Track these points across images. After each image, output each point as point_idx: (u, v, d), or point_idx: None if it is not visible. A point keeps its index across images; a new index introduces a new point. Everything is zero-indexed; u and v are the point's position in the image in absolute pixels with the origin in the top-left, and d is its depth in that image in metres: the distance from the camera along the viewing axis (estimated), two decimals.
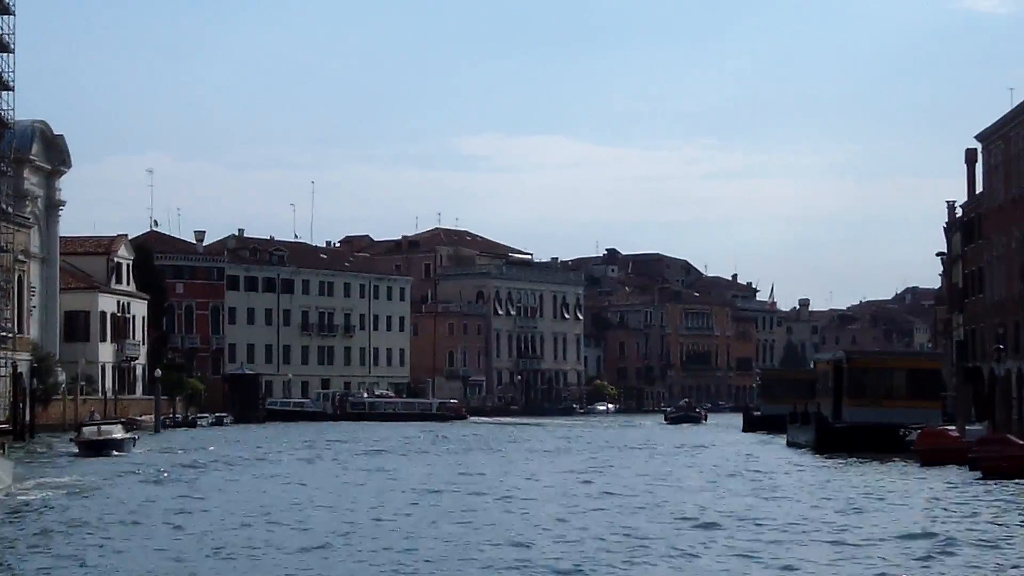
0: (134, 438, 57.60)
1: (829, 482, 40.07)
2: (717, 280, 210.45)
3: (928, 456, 44.81)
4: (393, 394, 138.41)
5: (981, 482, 38.19)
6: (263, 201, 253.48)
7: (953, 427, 47.55)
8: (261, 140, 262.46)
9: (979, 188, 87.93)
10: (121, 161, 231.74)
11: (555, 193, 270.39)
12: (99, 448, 54.09)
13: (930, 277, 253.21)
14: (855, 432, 54.86)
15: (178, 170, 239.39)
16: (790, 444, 64.43)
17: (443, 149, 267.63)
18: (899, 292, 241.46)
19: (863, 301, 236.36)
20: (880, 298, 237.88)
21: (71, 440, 58.32)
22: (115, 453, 53.63)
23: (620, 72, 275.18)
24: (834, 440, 55.19)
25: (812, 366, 77.25)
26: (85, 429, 57.53)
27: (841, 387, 57.41)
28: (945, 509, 30.99)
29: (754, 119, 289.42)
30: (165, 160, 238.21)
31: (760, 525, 28.47)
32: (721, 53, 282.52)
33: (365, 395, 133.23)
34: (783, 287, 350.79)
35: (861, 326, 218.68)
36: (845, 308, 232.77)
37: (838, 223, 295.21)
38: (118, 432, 56.47)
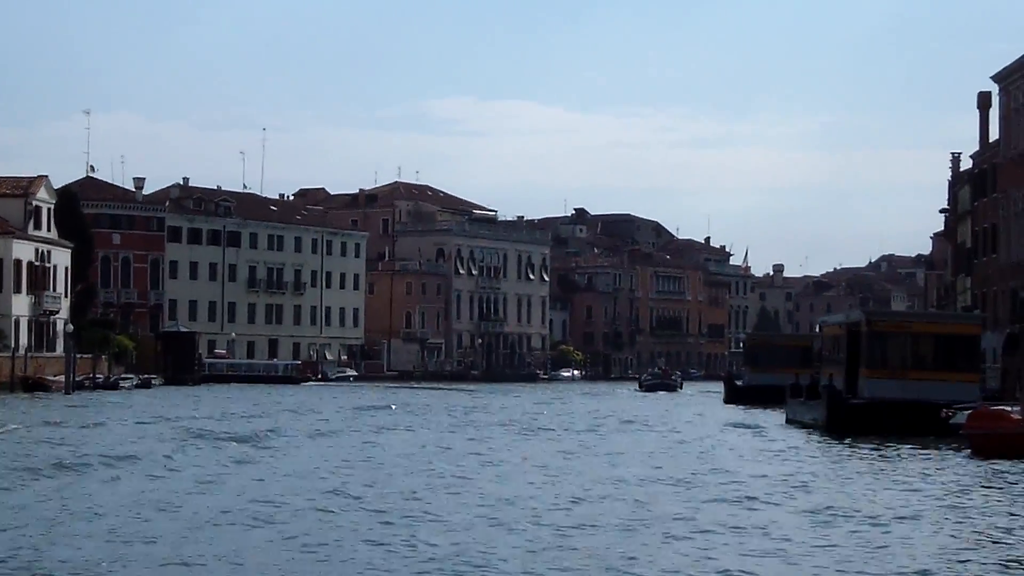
0: None
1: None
2: (689, 243, 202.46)
3: (983, 444, 35.70)
4: (227, 353, 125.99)
5: None
6: (217, 156, 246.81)
7: (1010, 406, 38.21)
8: (228, 101, 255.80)
9: (992, 136, 79.63)
10: (85, 119, 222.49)
11: (525, 158, 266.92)
12: None
13: (906, 246, 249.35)
14: (877, 410, 45.76)
15: (146, 129, 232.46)
16: (790, 422, 55.20)
17: (413, 112, 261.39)
18: (874, 260, 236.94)
19: (838, 268, 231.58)
20: (855, 265, 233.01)
21: None
22: None
23: (593, 39, 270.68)
24: (850, 419, 46.05)
25: (818, 329, 68.22)
26: None
27: (858, 355, 48.09)
28: None
29: (726, 89, 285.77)
30: (133, 120, 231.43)
31: None
32: (695, 22, 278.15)
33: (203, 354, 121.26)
34: (756, 252, 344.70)
35: (837, 293, 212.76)
36: (820, 275, 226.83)
37: (811, 192, 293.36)
38: None
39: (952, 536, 21.62)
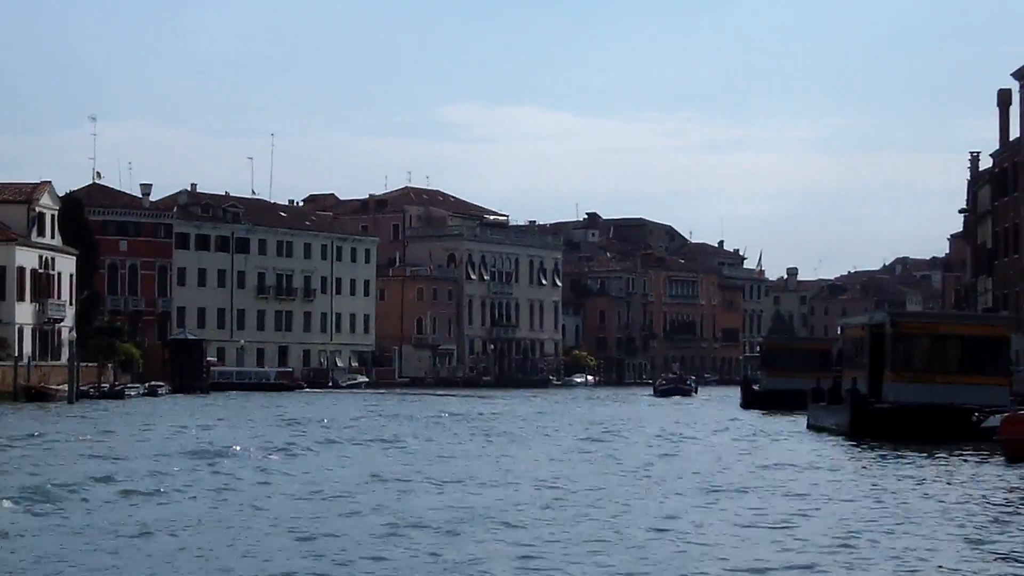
0: None
1: None
2: (703, 247, 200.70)
3: (1019, 450, 34.13)
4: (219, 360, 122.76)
5: None
6: (225, 162, 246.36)
7: None
8: (236, 107, 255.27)
9: (1013, 134, 77.91)
10: (91, 125, 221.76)
11: (535, 163, 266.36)
12: None
13: (920, 248, 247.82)
14: (903, 414, 44.06)
15: (153, 135, 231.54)
16: (812, 427, 53.39)
17: (422, 118, 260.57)
18: (888, 263, 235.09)
19: (852, 271, 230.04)
20: (869, 268, 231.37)
21: None
22: None
23: (601, 44, 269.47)
24: (875, 424, 44.40)
25: (839, 331, 66.43)
26: None
27: (882, 358, 46.31)
28: None
29: (737, 92, 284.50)
30: (140, 126, 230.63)
31: None
32: (703, 26, 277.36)
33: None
34: (770, 256, 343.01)
35: (851, 296, 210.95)
36: (834, 278, 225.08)
37: (824, 195, 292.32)
38: None
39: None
